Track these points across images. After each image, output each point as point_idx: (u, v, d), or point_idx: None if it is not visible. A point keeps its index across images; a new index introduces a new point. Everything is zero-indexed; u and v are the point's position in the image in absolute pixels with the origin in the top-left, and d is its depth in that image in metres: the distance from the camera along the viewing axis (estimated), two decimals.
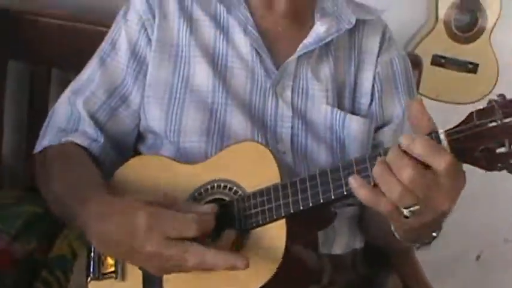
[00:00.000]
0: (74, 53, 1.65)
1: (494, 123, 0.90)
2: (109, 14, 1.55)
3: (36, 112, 1.77)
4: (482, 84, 2.16)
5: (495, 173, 0.94)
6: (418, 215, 0.97)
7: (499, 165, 0.91)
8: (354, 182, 0.96)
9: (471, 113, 0.93)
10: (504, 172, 0.93)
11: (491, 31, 2.18)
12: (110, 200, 1.12)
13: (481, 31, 2.18)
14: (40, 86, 1.78)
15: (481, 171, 0.94)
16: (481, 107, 0.93)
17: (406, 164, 0.92)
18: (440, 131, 0.94)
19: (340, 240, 1.33)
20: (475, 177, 0.99)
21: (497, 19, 2.17)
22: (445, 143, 0.93)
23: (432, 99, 2.14)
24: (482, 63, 2.19)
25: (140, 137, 1.39)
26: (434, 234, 1.10)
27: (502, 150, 0.90)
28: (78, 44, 1.68)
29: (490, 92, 2.13)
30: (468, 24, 2.19)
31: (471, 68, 2.19)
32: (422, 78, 1.87)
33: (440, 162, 0.91)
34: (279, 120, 1.31)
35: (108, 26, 1.44)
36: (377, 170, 0.95)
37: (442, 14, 2.15)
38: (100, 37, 1.43)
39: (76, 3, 1.84)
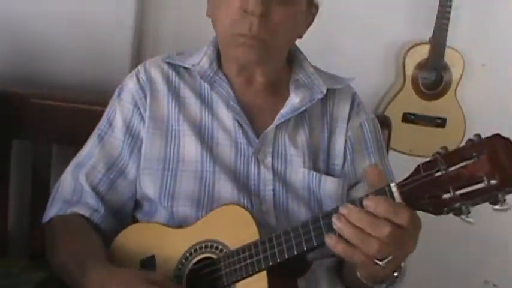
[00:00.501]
0: (72, 130, 1.84)
1: (439, 173, 1.09)
2: (102, 94, 1.79)
3: (39, 185, 1.93)
4: (452, 136, 2.36)
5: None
6: (391, 262, 1.15)
7: (445, 209, 1.09)
8: (331, 241, 1.14)
9: (418, 166, 1.12)
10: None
11: (456, 87, 2.39)
12: (109, 269, 1.30)
13: (447, 87, 2.40)
14: (42, 160, 1.95)
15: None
16: (427, 160, 1.11)
17: (383, 223, 1.10)
18: (392, 184, 1.13)
19: None
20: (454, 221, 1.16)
21: (461, 75, 2.39)
22: (397, 195, 1.12)
23: (406, 154, 2.32)
24: (450, 117, 2.41)
25: (137, 204, 1.56)
26: (395, 274, 1.26)
27: (447, 196, 1.08)
28: (75, 122, 1.87)
29: (460, 143, 2.33)
30: (434, 82, 2.41)
31: (440, 122, 2.41)
32: (396, 134, 2.05)
33: (403, 218, 1.10)
34: (261, 184, 1.48)
35: (101, 105, 1.63)
36: (350, 231, 1.13)
37: (409, 74, 2.37)
38: (95, 115, 1.62)
39: (70, 85, 2.03)
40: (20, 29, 1.98)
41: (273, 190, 1.48)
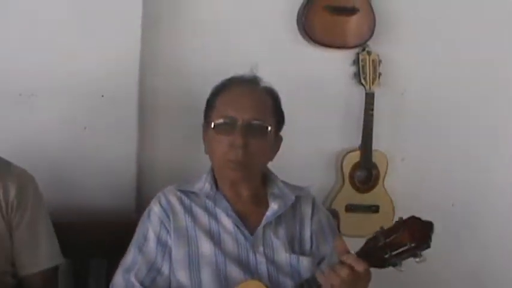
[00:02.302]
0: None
1: (381, 243, 1.90)
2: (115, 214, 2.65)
3: None
4: (384, 219, 2.92)
5: None
6: None
7: (386, 263, 1.91)
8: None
9: (368, 239, 1.92)
10: None
11: (383, 180, 3.19)
12: None
13: (376, 181, 3.18)
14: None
15: None
16: (372, 235, 1.93)
17: (345, 267, 1.91)
18: (353, 252, 1.93)
19: None
20: None
21: (385, 171, 3.18)
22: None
23: (351, 236, 2.78)
24: (381, 204, 3.17)
25: None
26: None
27: (387, 256, 1.89)
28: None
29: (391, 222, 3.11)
30: (366, 178, 3.18)
31: (374, 209, 3.16)
32: (342, 222, 2.91)
33: (360, 267, 1.92)
34: (258, 266, 2.26)
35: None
36: (325, 272, 1.93)
37: (347, 174, 3.15)
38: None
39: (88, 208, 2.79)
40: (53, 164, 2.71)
41: (267, 269, 2.26)
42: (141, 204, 2.78)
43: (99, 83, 2.74)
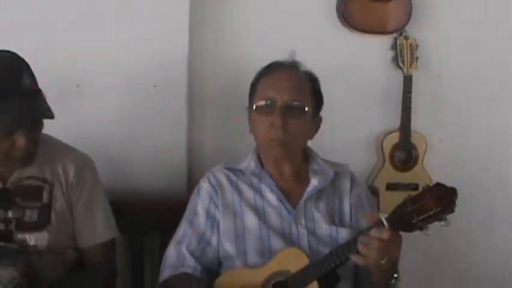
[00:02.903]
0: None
1: (409, 209, 2.09)
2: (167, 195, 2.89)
3: None
4: None
5: None
6: (387, 261, 2.14)
7: (414, 227, 2.10)
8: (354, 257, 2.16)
9: (397, 205, 2.13)
10: None
11: (423, 160, 3.36)
12: None
13: (416, 161, 3.35)
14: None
15: None
16: (399, 203, 2.13)
17: (375, 240, 2.12)
18: (383, 218, 2.15)
19: None
20: None
21: (424, 151, 3.36)
22: (385, 223, 2.14)
23: None
24: (421, 182, 3.32)
25: (219, 263, 2.55)
26: (395, 275, 2.26)
27: (414, 221, 2.08)
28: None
29: None
30: (406, 158, 3.36)
31: (413, 187, 3.32)
32: (381, 200, 3.10)
33: (384, 234, 2.11)
34: (300, 238, 2.49)
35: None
36: (361, 246, 2.13)
37: (387, 154, 3.33)
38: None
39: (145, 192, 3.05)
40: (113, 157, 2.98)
41: (308, 240, 2.48)
42: (191, 184, 3.01)
43: (152, 74, 2.99)
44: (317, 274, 2.25)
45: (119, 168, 2.97)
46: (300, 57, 2.60)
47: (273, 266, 2.37)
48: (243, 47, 3.19)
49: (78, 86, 2.93)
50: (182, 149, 3.08)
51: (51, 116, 2.34)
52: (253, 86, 2.60)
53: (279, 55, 2.61)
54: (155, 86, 3.00)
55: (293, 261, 2.33)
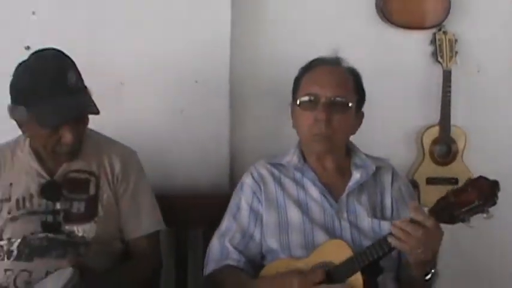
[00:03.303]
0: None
1: (452, 200, 2.14)
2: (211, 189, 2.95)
3: None
4: None
5: None
6: (426, 251, 2.19)
7: (456, 219, 2.14)
8: (391, 240, 2.20)
9: (439, 198, 2.17)
10: None
11: (462, 154, 3.38)
12: (267, 280, 2.40)
13: (455, 155, 3.37)
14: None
15: None
16: (442, 196, 2.17)
17: (418, 227, 2.15)
18: (426, 209, 2.19)
19: None
20: None
21: (464, 146, 3.38)
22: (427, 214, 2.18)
23: None
24: (460, 177, 3.35)
25: (262, 256, 2.60)
26: (433, 270, 2.31)
27: (457, 213, 2.13)
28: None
29: None
30: (446, 153, 3.39)
31: (453, 181, 3.35)
32: (422, 194, 3.15)
33: (431, 223, 2.16)
34: (342, 231, 2.53)
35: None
36: (401, 232, 2.17)
37: (427, 149, 3.36)
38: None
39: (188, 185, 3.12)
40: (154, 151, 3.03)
41: (351, 234, 2.52)
42: (233, 179, 3.09)
43: (194, 70, 3.06)
44: (361, 265, 2.29)
45: (162, 163, 3.04)
46: (340, 53, 2.64)
47: (316, 257, 2.42)
48: (283, 42, 3.24)
49: (122, 83, 3.01)
50: (225, 144, 3.14)
51: (96, 112, 2.43)
52: (297, 81, 2.65)
53: (319, 51, 2.67)
54: (196, 81, 3.07)
55: (336, 252, 2.37)
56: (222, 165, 3.16)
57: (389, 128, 3.36)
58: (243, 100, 3.24)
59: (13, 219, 2.53)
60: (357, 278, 2.29)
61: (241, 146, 3.27)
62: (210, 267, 2.61)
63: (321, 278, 2.29)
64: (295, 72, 2.68)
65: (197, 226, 3.01)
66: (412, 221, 2.18)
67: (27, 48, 2.90)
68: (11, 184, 2.58)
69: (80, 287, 2.19)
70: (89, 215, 2.55)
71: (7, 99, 2.45)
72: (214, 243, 2.64)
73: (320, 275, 2.29)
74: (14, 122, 2.50)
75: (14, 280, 2.45)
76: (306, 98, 2.55)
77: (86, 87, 2.49)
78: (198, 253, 2.99)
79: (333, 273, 2.34)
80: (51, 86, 2.36)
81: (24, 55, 2.48)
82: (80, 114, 2.46)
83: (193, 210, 2.97)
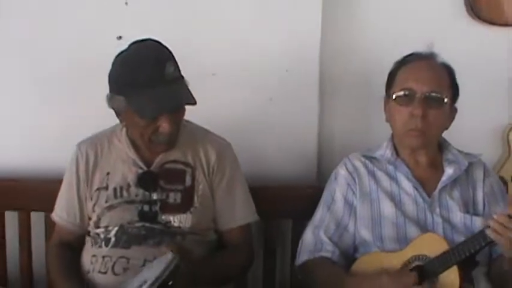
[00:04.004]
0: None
1: None
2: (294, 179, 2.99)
3: None
4: None
5: None
6: None
7: None
8: (489, 232, 2.22)
9: None
10: None
11: None
12: (359, 278, 2.42)
13: None
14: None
15: None
16: None
17: None
18: None
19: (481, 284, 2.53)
20: None
21: None
22: None
23: None
24: None
25: (355, 249, 2.65)
26: None
27: None
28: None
29: None
30: None
31: None
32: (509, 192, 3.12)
33: None
34: (435, 225, 2.56)
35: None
36: (497, 225, 2.20)
37: None
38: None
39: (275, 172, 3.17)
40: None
41: (443, 228, 2.54)
42: (321, 170, 3.14)
43: (284, 60, 3.10)
44: (457, 259, 2.30)
45: (251, 153, 3.07)
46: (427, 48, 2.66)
47: (411, 251, 2.44)
48: (372, 35, 3.26)
49: (214, 74, 3.07)
50: (313, 134, 3.18)
51: (194, 103, 2.47)
52: (391, 75, 2.68)
53: (408, 45, 2.68)
54: (287, 71, 3.11)
55: (431, 246, 2.39)
56: (310, 156, 3.19)
57: (474, 125, 3.32)
58: (332, 91, 3.27)
59: (110, 208, 2.61)
60: (454, 272, 2.31)
61: (329, 137, 3.30)
62: (303, 257, 2.65)
63: (415, 281, 2.30)
64: (384, 65, 2.71)
65: (285, 217, 3.06)
66: (510, 216, 2.20)
67: (120, 38, 3.02)
68: (108, 173, 2.66)
69: (181, 269, 2.23)
70: (185, 206, 2.61)
71: (101, 89, 2.51)
72: (308, 234, 2.69)
73: (413, 278, 2.30)
74: (111, 111, 2.55)
75: (112, 266, 2.52)
76: (401, 93, 2.58)
77: (183, 77, 2.53)
78: (286, 244, 3.05)
79: (427, 267, 2.36)
80: (150, 76, 2.41)
81: (117, 45, 2.55)
82: (178, 105, 2.51)
83: (281, 201, 3.01)
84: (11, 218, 3.10)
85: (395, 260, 2.44)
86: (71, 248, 2.70)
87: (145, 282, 2.19)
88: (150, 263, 2.47)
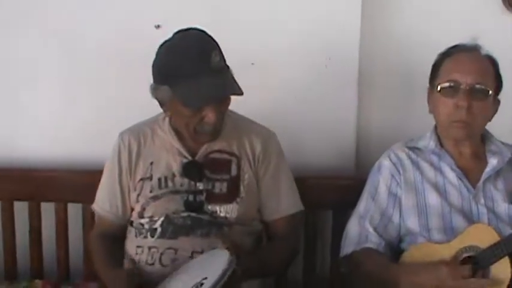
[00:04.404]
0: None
1: None
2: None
3: None
4: None
5: None
6: None
7: None
8: None
9: None
10: None
11: None
12: (410, 267, 2.43)
13: None
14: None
15: None
16: None
17: None
18: None
19: None
20: None
21: None
22: None
23: None
24: None
25: (400, 239, 2.66)
26: None
27: None
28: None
29: None
30: None
31: None
32: None
33: None
34: (480, 216, 2.56)
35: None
36: None
37: None
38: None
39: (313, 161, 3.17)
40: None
41: (488, 219, 2.54)
42: (359, 162, 3.14)
43: (323, 49, 3.10)
44: (508, 250, 2.32)
45: (290, 143, 3.01)
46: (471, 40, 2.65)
47: (461, 241, 2.44)
48: (412, 27, 3.23)
49: (252, 64, 3.06)
50: (352, 125, 3.18)
51: (240, 93, 2.46)
52: (436, 67, 2.68)
53: (448, 36, 2.69)
54: (329, 59, 3.11)
55: (482, 237, 2.40)
56: (349, 146, 3.20)
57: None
58: (372, 81, 3.24)
59: (155, 198, 2.60)
60: (505, 263, 2.32)
61: (367, 128, 3.29)
62: (348, 248, 2.66)
63: (470, 274, 2.31)
64: (425, 56, 2.70)
65: (325, 208, 3.07)
66: None
67: (158, 27, 3.02)
68: (151, 163, 2.64)
69: (236, 271, 2.23)
70: (231, 196, 2.60)
71: (141, 78, 2.50)
72: (353, 225, 2.69)
73: (469, 270, 2.31)
74: (153, 101, 2.54)
75: (160, 258, 2.52)
76: (446, 85, 2.58)
77: (228, 67, 2.52)
78: (326, 235, 3.06)
79: (479, 258, 2.37)
80: (196, 66, 2.40)
81: (155, 34, 2.55)
82: (225, 95, 2.51)
83: (320, 192, 3.01)
84: (48, 210, 3.09)
85: (446, 251, 2.45)
86: (113, 238, 2.69)
87: (201, 284, 2.18)
88: (200, 256, 2.46)
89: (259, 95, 3.00)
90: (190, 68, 2.41)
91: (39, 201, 3.08)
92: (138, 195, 2.63)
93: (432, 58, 2.70)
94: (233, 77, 2.51)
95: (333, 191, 3.01)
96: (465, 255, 2.42)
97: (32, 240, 3.12)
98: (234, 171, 2.64)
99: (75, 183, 3.06)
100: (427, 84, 2.71)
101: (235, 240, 2.43)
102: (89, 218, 3.00)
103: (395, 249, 2.65)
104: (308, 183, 2.98)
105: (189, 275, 2.34)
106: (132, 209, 2.67)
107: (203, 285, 2.17)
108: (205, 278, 2.20)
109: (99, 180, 2.74)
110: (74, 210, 3.08)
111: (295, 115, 3.14)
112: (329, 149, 3.18)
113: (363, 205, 2.71)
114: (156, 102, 2.56)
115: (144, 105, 2.60)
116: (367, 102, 3.26)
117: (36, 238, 3.12)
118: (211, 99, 2.45)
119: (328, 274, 3.11)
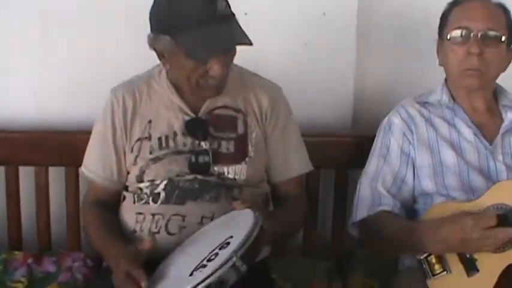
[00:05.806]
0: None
1: None
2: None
3: None
4: None
5: None
6: None
7: None
8: None
9: None
10: None
11: None
12: (436, 222, 2.31)
13: None
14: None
15: None
16: None
17: None
18: None
19: None
20: None
21: None
22: None
23: None
24: None
25: (414, 200, 2.56)
26: None
27: None
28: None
29: None
30: None
31: None
32: None
33: None
34: (498, 173, 2.48)
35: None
36: None
37: None
38: None
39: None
40: None
41: (507, 176, 2.47)
42: (356, 118, 3.05)
43: (321, 2, 2.98)
44: None
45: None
46: None
47: (487, 199, 2.35)
48: None
49: (246, 14, 2.86)
50: (349, 81, 3.09)
51: (250, 43, 2.29)
52: (445, 16, 2.59)
53: None
54: (324, 14, 2.99)
55: (510, 194, 2.33)
56: (345, 102, 3.11)
57: None
58: (370, 35, 3.14)
59: (156, 159, 2.42)
60: None
61: (366, 84, 3.19)
62: (362, 213, 2.55)
63: (495, 223, 2.22)
64: (427, 9, 2.66)
65: (326, 167, 2.95)
66: None
67: None
68: (149, 121, 2.46)
69: (265, 228, 2.03)
70: (239, 156, 2.45)
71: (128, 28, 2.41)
72: (365, 187, 2.58)
73: (494, 219, 2.22)
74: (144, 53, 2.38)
75: (166, 225, 2.35)
76: (456, 32, 2.49)
77: (234, 15, 2.34)
78: (329, 192, 2.98)
79: (507, 216, 2.27)
80: (201, 12, 2.22)
81: None
82: (233, 46, 2.33)
83: (315, 149, 2.77)
84: (26, 174, 2.90)
85: (473, 209, 2.34)
86: (108, 206, 2.50)
87: (227, 243, 1.97)
88: (217, 219, 2.29)
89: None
90: (195, 15, 2.22)
91: (17, 164, 2.88)
92: (137, 157, 2.44)
93: (432, 10, 2.62)
94: (240, 26, 2.33)
95: (327, 148, 2.91)
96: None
97: (10, 207, 2.91)
98: (240, 129, 2.48)
99: (57, 144, 2.85)
100: (430, 38, 2.63)
101: (258, 202, 2.30)
102: (72, 182, 2.82)
103: (410, 211, 2.55)
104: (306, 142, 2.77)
105: (208, 239, 2.15)
106: (128, 173, 2.48)
107: (229, 244, 1.95)
108: (231, 237, 1.99)
109: (84, 141, 2.54)
110: (56, 174, 2.89)
111: (290, 68, 3.02)
112: (325, 103, 3.08)
113: (373, 166, 2.60)
114: (149, 56, 2.38)
115: (136, 58, 2.47)
116: (365, 57, 3.14)
117: (14, 205, 2.91)
118: (218, 50, 2.28)
119: (330, 233, 3.01)
